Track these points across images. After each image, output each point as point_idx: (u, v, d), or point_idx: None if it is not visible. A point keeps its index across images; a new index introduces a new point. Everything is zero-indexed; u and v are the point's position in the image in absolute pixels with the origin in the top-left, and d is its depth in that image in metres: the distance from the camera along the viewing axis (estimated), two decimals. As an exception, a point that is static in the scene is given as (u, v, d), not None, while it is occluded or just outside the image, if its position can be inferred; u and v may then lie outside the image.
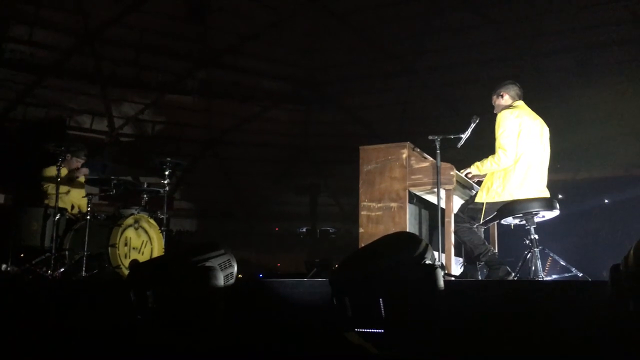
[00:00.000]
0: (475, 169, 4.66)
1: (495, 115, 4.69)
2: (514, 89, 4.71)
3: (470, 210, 4.57)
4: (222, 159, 15.54)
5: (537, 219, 4.44)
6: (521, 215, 4.41)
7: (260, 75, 14.43)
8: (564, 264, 4.37)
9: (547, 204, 4.37)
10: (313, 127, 15.70)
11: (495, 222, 4.81)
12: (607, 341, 2.64)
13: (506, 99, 4.69)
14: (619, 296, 2.47)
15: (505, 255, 5.35)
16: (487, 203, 4.45)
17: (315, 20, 13.52)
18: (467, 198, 4.97)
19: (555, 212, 4.43)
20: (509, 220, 4.54)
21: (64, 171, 6.47)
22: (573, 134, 10.29)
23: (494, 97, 4.77)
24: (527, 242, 4.41)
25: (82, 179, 6.61)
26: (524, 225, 4.50)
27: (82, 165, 6.71)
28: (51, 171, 6.05)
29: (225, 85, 14.18)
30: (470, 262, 4.75)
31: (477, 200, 4.53)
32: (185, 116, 14.71)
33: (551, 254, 4.45)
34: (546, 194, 4.52)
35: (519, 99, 4.70)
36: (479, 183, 5.11)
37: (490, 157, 4.52)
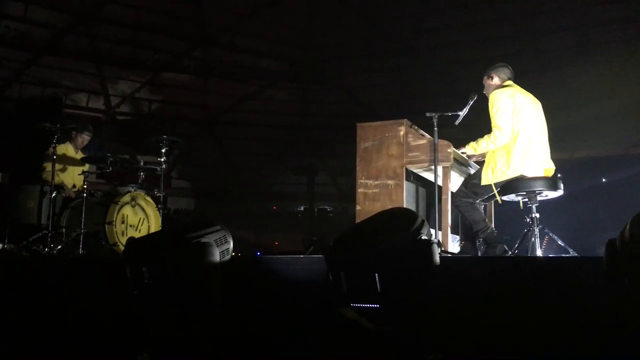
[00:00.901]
0: (470, 148, 4.66)
1: (486, 95, 4.69)
2: (504, 71, 4.71)
3: (473, 185, 4.56)
4: (220, 138, 15.49)
5: (540, 198, 4.43)
6: (524, 193, 4.40)
7: (258, 54, 14.31)
8: (562, 244, 4.37)
9: (552, 184, 4.36)
10: (311, 106, 15.63)
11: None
12: (603, 317, 2.64)
13: (496, 81, 4.70)
14: (614, 272, 2.47)
15: (502, 233, 5.36)
16: (495, 184, 4.44)
17: (313, -1, 13.39)
18: (464, 175, 4.96)
19: (559, 192, 4.42)
20: (512, 197, 4.54)
21: (70, 149, 6.48)
22: (572, 113, 10.28)
23: (485, 78, 4.78)
24: (528, 220, 4.41)
25: (80, 154, 6.60)
26: (526, 203, 4.49)
27: (87, 142, 6.71)
28: (59, 149, 6.02)
29: (223, 64, 14.09)
30: (469, 239, 4.76)
31: (483, 183, 4.49)
32: (182, 95, 14.64)
33: (550, 234, 4.44)
34: (551, 164, 4.53)
35: (509, 81, 4.69)
36: (476, 162, 5.11)
37: (485, 137, 4.51)
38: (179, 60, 13.87)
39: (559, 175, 4.62)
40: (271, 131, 15.65)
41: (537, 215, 4.39)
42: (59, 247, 5.66)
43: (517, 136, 4.42)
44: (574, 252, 4.33)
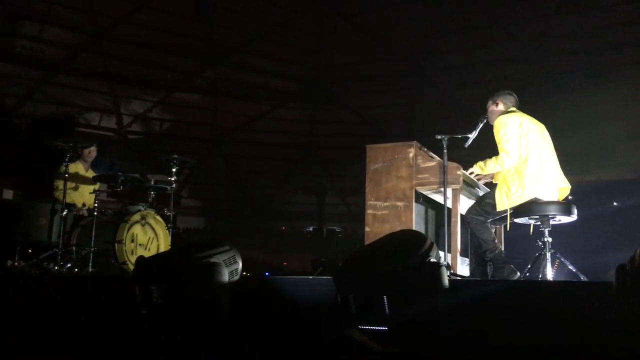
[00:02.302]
0: (478, 168, 4.68)
1: (488, 122, 4.73)
2: (509, 99, 4.76)
3: (487, 205, 4.56)
4: (230, 157, 15.57)
5: (552, 222, 4.42)
6: (537, 217, 4.39)
7: (268, 74, 14.43)
8: (573, 269, 4.33)
9: (565, 208, 4.34)
10: (320, 126, 15.70)
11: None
12: (613, 343, 2.62)
13: (500, 107, 4.74)
14: (624, 296, 2.45)
15: (514, 255, 5.32)
16: (511, 209, 4.43)
17: (323, 20, 13.53)
18: (473, 198, 4.95)
19: (573, 217, 4.40)
20: (525, 220, 4.52)
21: (80, 167, 6.54)
22: (581, 136, 10.24)
23: (489, 103, 4.81)
24: (540, 244, 4.39)
25: (90, 173, 6.65)
26: (538, 227, 4.47)
27: (94, 154, 6.76)
28: (70, 168, 6.08)
29: (233, 84, 14.21)
30: (479, 262, 4.75)
31: (499, 208, 4.46)
32: (192, 114, 14.77)
33: (562, 259, 4.41)
34: (565, 183, 4.54)
35: (513, 107, 4.72)
36: (486, 184, 5.10)
37: (493, 158, 4.54)
38: (190, 79, 14.02)
39: (570, 197, 4.61)
40: (280, 151, 15.72)
41: (550, 239, 4.37)
42: (69, 265, 5.69)
43: (527, 159, 4.43)
44: (584, 277, 4.30)
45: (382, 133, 14.02)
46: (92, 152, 6.71)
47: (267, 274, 9.29)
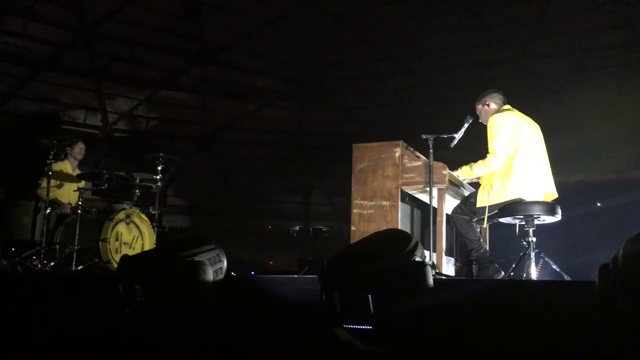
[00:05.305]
0: (463, 173, 4.67)
1: (481, 123, 4.73)
2: (498, 97, 4.74)
3: (471, 204, 4.56)
4: (216, 156, 15.52)
5: (537, 222, 4.43)
6: (522, 216, 4.41)
7: (256, 73, 14.42)
8: (556, 269, 4.36)
9: (550, 208, 4.35)
10: (307, 125, 15.70)
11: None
12: (595, 342, 2.64)
13: (493, 107, 4.72)
14: (607, 296, 2.47)
15: (499, 255, 5.34)
16: (489, 206, 4.44)
17: (311, 19, 13.52)
18: (459, 197, 4.97)
19: (557, 218, 4.42)
20: (509, 220, 4.54)
21: (67, 166, 6.47)
22: (566, 137, 10.32)
23: (480, 107, 4.78)
24: (524, 243, 4.41)
25: (75, 171, 6.59)
26: (522, 226, 4.50)
27: (84, 149, 6.68)
28: (56, 166, 6.01)
29: (221, 82, 14.17)
30: (464, 261, 4.76)
31: (478, 205, 4.47)
32: (179, 113, 14.70)
33: (546, 258, 4.43)
34: (552, 190, 4.55)
35: (507, 105, 4.72)
36: (471, 184, 5.12)
37: (480, 161, 4.52)
38: (177, 77, 13.95)
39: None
40: (268, 150, 15.70)
41: (534, 239, 4.39)
42: (52, 263, 5.63)
43: (513, 159, 4.42)
44: (567, 277, 4.33)
45: (369, 133, 14.05)
46: (82, 149, 6.65)
47: (252, 273, 9.29)
